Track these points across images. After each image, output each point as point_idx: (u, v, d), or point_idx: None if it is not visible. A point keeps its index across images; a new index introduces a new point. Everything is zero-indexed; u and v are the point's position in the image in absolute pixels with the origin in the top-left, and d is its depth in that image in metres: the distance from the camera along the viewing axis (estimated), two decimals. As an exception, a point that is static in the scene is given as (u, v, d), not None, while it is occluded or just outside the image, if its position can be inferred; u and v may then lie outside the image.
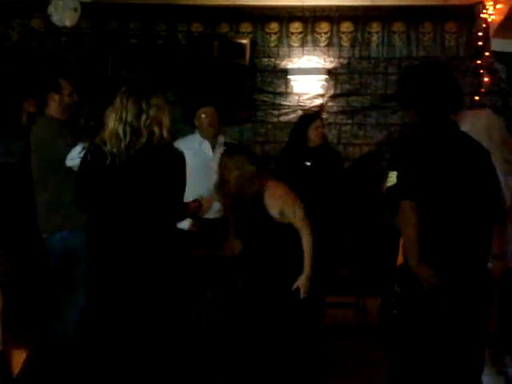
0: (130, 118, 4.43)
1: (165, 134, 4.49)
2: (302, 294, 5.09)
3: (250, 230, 5.27)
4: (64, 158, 5.50)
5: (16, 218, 6.80)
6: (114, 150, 4.43)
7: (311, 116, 7.34)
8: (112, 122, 4.46)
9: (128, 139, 4.42)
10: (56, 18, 7.28)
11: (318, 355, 5.87)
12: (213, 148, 6.59)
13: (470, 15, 9.12)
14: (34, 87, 5.70)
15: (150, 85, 4.71)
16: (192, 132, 6.79)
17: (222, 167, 5.24)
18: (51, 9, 7.23)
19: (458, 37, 9.34)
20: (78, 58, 9.55)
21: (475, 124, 5.06)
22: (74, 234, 5.58)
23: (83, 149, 5.29)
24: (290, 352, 5.17)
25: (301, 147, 6.92)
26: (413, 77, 4.30)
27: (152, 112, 4.46)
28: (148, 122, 4.44)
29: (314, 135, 6.90)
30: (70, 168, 5.49)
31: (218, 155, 5.63)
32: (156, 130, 4.45)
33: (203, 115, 6.62)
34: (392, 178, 4.04)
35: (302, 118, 7.33)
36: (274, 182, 5.29)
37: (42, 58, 9.47)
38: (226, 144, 5.98)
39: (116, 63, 9.47)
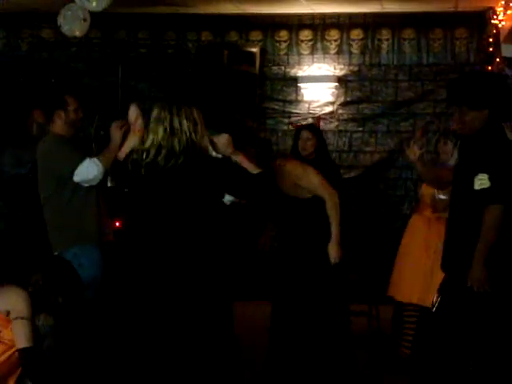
0: (185, 128, 4.44)
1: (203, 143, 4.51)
2: (333, 260, 5.08)
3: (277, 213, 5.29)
4: (69, 175, 5.49)
5: (28, 229, 6.81)
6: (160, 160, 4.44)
7: (299, 128, 7.33)
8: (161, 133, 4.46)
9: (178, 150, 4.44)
10: (65, 28, 7.27)
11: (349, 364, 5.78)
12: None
13: (481, 21, 9.09)
14: (43, 99, 5.67)
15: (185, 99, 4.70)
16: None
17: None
18: (61, 19, 7.22)
19: (468, 43, 9.31)
20: (88, 68, 9.58)
21: None
22: (86, 248, 5.56)
23: (91, 163, 5.36)
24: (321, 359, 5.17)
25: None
26: (488, 79, 4.35)
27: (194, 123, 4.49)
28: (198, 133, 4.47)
29: (301, 147, 6.87)
30: (77, 184, 5.51)
31: None
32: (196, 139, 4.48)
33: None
34: (483, 180, 4.04)
35: (295, 130, 7.36)
36: (284, 159, 5.27)
37: (51, 69, 9.48)
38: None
39: (126, 73, 9.48)
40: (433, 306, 4.33)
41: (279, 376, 5.32)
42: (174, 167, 4.42)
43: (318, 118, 9.31)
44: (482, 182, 4.05)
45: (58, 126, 5.76)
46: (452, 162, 5.51)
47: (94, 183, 5.52)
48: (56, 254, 5.63)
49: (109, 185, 5.63)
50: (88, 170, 5.46)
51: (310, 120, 9.22)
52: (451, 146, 6.46)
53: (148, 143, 4.49)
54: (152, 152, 4.46)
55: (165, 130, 4.45)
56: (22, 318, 4.26)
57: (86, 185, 5.52)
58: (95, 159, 5.47)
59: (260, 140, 5.53)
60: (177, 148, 4.42)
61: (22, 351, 4.25)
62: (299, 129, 7.26)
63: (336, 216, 5.16)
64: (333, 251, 5.23)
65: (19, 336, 4.24)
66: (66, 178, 5.51)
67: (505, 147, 4.16)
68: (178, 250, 4.40)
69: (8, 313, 4.27)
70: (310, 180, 5.19)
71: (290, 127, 9.28)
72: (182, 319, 4.39)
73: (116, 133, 5.43)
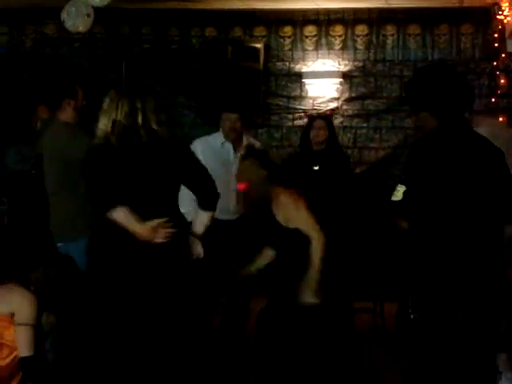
0: (121, 117, 4.52)
1: (154, 127, 4.57)
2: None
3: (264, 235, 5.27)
4: None
5: (32, 225, 6.79)
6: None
7: (313, 117, 7.32)
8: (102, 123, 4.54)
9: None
10: (69, 24, 7.25)
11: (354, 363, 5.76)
12: (235, 151, 6.56)
13: (486, 17, 9.05)
14: (49, 93, 5.68)
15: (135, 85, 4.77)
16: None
17: (238, 169, 5.30)
18: (64, 15, 7.20)
19: (473, 39, 9.27)
20: (92, 64, 9.55)
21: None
22: None
23: None
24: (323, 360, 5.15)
25: (306, 151, 6.90)
26: (425, 78, 4.22)
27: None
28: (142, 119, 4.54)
29: (313, 136, 6.85)
30: None
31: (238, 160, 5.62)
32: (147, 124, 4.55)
33: (226, 120, 6.60)
34: (399, 192, 3.98)
35: (308, 119, 7.35)
36: (281, 190, 5.23)
37: (55, 64, 9.47)
38: (247, 146, 5.94)
39: (130, 68, 9.46)
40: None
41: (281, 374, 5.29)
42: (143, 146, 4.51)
43: (333, 110, 9.28)
44: (397, 193, 3.99)
45: (68, 113, 5.75)
46: None
47: None
48: (60, 244, 5.60)
49: None
50: None
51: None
52: None
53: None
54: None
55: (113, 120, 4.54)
56: (26, 325, 4.21)
57: None
58: None
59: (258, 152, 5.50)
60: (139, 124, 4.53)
61: (23, 359, 4.21)
62: (312, 118, 7.25)
63: (316, 259, 5.10)
64: (305, 295, 5.14)
65: (22, 344, 4.20)
66: None
67: (434, 159, 3.99)
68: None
69: (12, 314, 4.23)
70: (301, 218, 5.14)
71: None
72: (164, 311, 4.47)
73: None
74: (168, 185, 4.62)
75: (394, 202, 3.98)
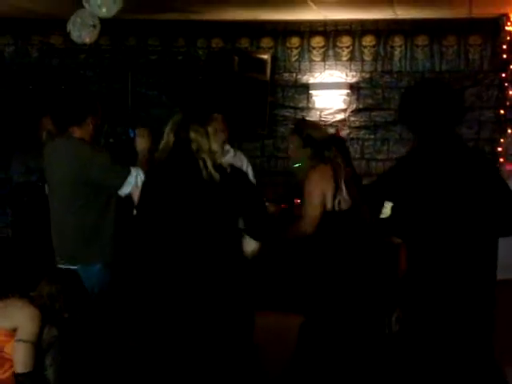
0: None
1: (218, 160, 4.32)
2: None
3: None
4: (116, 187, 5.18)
5: (37, 238, 6.74)
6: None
7: None
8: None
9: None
10: (75, 35, 7.21)
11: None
12: None
13: (495, 28, 9.01)
14: (74, 109, 5.48)
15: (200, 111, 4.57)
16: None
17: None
18: (70, 26, 7.17)
19: (482, 50, 9.23)
20: (98, 75, 9.54)
21: None
22: (107, 267, 5.24)
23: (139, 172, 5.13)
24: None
25: None
26: (408, 98, 4.20)
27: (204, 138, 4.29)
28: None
29: None
30: (110, 196, 5.22)
31: None
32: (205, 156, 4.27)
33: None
34: (387, 209, 3.94)
35: None
36: (317, 168, 5.18)
37: (61, 75, 9.46)
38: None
39: (136, 80, 9.45)
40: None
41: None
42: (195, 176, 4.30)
43: (337, 130, 9.21)
44: (385, 210, 3.95)
45: (87, 131, 5.45)
46: None
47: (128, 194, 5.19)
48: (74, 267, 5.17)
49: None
50: (137, 180, 5.18)
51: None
52: None
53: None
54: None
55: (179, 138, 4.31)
56: (26, 342, 4.15)
57: (124, 195, 5.18)
58: (140, 171, 5.14)
59: None
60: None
61: (19, 375, 4.14)
62: None
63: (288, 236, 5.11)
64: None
65: (18, 359, 4.14)
66: (106, 188, 5.22)
67: (417, 168, 3.97)
68: (197, 256, 4.28)
69: (15, 329, 4.18)
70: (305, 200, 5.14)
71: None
72: (200, 327, 4.29)
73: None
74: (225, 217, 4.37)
75: (382, 219, 3.96)
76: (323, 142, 5.25)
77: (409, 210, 3.90)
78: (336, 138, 7.73)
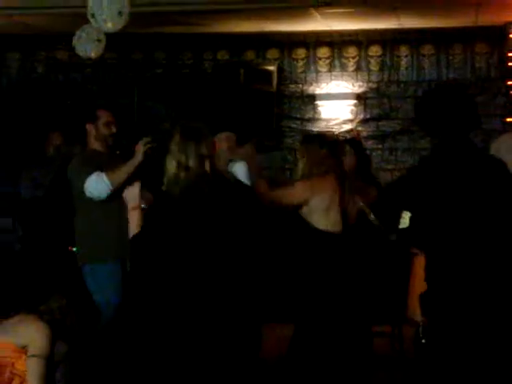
0: (191, 163, 4.24)
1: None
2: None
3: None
4: (82, 190, 5.45)
5: (45, 252, 6.74)
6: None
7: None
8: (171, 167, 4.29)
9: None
10: (80, 50, 7.22)
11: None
12: None
13: (500, 36, 9.00)
14: (63, 118, 5.64)
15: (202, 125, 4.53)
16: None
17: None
18: (75, 40, 7.18)
19: (488, 58, 9.23)
20: (104, 90, 9.54)
21: None
22: (100, 266, 5.53)
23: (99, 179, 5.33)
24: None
25: None
26: (426, 102, 4.17)
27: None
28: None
29: None
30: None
31: None
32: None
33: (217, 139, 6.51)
34: (405, 219, 3.90)
35: None
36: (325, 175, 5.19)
37: (67, 90, 9.47)
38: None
39: (142, 93, 9.46)
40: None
41: None
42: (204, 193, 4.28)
43: (358, 133, 9.22)
44: (404, 220, 3.91)
45: (90, 140, 5.68)
46: None
47: (103, 198, 5.44)
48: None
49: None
50: (94, 186, 5.38)
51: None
52: None
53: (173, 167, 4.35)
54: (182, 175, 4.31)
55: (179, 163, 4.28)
56: (38, 357, 4.14)
57: (97, 199, 5.45)
58: (104, 175, 5.37)
59: None
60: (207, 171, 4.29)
61: None
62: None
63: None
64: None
65: (31, 376, 4.13)
66: (81, 192, 5.48)
67: (438, 181, 3.91)
68: (206, 270, 4.26)
69: (25, 346, 4.16)
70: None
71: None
72: (206, 339, 4.27)
73: (140, 149, 5.33)
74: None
75: (402, 229, 3.92)
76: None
77: (429, 220, 3.87)
78: (354, 140, 7.73)
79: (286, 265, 6.04)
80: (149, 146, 5.32)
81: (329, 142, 5.42)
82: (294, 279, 5.33)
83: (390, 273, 7.81)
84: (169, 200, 4.28)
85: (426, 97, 4.28)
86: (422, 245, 3.96)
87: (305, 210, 5.16)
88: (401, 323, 7.35)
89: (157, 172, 4.49)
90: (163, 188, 4.35)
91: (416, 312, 6.00)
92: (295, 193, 5.21)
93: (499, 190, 3.97)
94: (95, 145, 5.69)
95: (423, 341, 4.02)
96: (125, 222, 5.50)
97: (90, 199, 5.46)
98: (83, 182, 5.41)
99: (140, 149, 5.34)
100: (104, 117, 5.69)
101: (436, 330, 3.95)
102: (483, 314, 3.87)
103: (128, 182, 5.26)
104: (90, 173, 5.40)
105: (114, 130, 5.68)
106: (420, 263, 6.34)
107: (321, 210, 5.13)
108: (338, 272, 5.15)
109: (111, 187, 5.35)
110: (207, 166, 4.26)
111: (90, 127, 5.68)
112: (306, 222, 5.14)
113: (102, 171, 5.40)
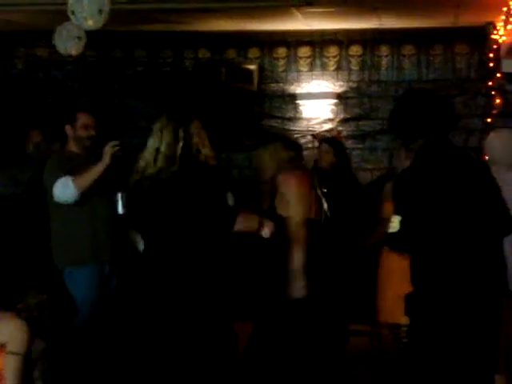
0: (163, 148, 4.31)
1: (204, 156, 4.36)
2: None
3: None
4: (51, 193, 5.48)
5: (22, 251, 6.71)
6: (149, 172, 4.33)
7: (320, 141, 7.33)
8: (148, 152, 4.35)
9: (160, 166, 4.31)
10: (61, 47, 7.19)
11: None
12: None
13: (481, 37, 9.02)
14: (43, 116, 5.64)
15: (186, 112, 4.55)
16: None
17: (257, 161, 5.36)
18: (55, 37, 7.15)
19: (468, 58, 9.26)
20: (84, 87, 9.50)
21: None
22: (78, 269, 5.54)
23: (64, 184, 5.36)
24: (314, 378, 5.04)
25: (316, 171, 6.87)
26: (401, 108, 4.17)
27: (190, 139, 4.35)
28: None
29: (319, 159, 6.86)
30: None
31: None
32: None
33: None
34: (394, 223, 3.88)
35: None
36: (293, 174, 5.15)
37: (48, 88, 9.42)
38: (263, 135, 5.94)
39: (122, 91, 9.44)
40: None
41: None
42: (173, 175, 4.30)
43: (339, 133, 9.23)
44: (393, 224, 3.89)
45: (68, 141, 5.68)
46: None
47: (71, 203, 5.44)
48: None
49: (120, 212, 5.43)
50: (61, 190, 5.38)
51: (310, 137, 9.18)
52: None
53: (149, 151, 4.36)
54: (151, 160, 4.33)
55: (169, 137, 4.33)
56: (17, 354, 4.13)
57: (64, 203, 5.47)
58: (69, 180, 5.38)
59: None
60: (177, 154, 4.30)
61: None
62: (320, 141, 7.25)
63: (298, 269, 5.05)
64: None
65: (8, 373, 4.12)
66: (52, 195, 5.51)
67: (427, 184, 3.91)
68: (179, 266, 4.28)
69: (4, 344, 4.14)
70: (294, 210, 5.10)
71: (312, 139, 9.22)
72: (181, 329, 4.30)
73: (108, 153, 5.32)
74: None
75: (391, 233, 3.90)
76: None
77: (422, 222, 3.86)
78: (334, 140, 7.76)
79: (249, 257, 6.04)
80: (116, 148, 5.31)
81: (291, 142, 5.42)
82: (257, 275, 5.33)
83: (360, 273, 7.84)
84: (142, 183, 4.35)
85: (400, 103, 4.25)
86: (411, 249, 3.95)
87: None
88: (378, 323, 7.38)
89: (126, 174, 4.54)
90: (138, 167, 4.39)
91: (393, 314, 6.06)
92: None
93: (483, 190, 3.99)
94: (73, 147, 5.68)
95: (404, 340, 4.03)
96: (102, 224, 5.55)
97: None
98: (52, 186, 5.41)
99: (107, 152, 5.33)
100: (82, 119, 5.68)
101: (426, 330, 3.95)
102: (477, 314, 3.89)
103: (96, 184, 5.31)
104: (59, 176, 5.40)
105: (92, 132, 5.66)
106: (388, 266, 6.37)
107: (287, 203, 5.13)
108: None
109: (78, 192, 5.36)
110: (179, 150, 4.30)
111: (68, 128, 5.68)
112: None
113: (72, 175, 5.40)
